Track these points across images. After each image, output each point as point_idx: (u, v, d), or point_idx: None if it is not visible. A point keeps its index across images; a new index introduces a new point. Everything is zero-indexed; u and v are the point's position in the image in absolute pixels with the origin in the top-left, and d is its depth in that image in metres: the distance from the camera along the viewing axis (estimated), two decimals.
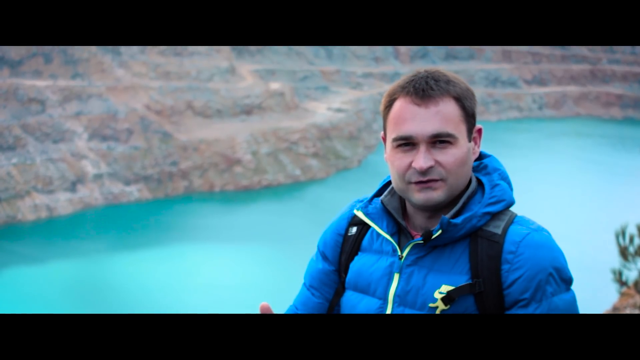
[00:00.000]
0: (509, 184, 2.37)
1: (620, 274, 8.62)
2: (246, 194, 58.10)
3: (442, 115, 2.26)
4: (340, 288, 2.51)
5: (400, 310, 2.31)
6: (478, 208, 2.28)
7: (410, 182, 2.28)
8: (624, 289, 8.91)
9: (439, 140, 2.26)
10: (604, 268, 12.22)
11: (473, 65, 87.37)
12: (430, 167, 2.25)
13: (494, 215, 2.29)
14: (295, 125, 63.95)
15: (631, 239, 8.51)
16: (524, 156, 67.26)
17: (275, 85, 67.19)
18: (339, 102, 71.18)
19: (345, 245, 2.51)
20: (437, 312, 2.25)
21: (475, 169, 2.40)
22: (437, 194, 2.28)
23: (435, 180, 2.26)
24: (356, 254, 2.48)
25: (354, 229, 2.50)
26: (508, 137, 74.33)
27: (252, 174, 59.96)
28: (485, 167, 2.39)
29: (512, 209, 2.38)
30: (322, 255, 2.56)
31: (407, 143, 2.28)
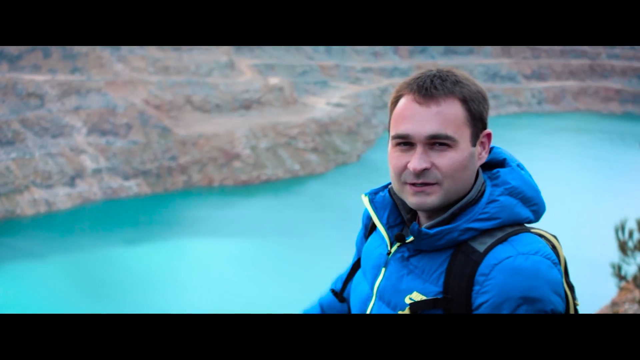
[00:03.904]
0: (526, 199, 2.24)
1: (620, 268, 8.63)
2: (245, 189, 58.11)
3: (443, 116, 2.17)
4: (356, 264, 2.53)
5: (379, 305, 2.29)
6: (462, 222, 2.18)
7: (405, 183, 2.22)
8: (623, 284, 8.92)
9: (438, 142, 2.18)
10: (603, 263, 12.24)
11: (472, 60, 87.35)
12: (425, 170, 2.18)
13: (485, 231, 2.18)
14: (294, 120, 63.94)
15: (630, 234, 8.51)
16: (523, 152, 67.24)
17: (274, 80, 67.16)
18: (338, 97, 71.16)
19: (371, 223, 2.51)
20: None
21: (490, 177, 2.29)
22: (431, 199, 2.20)
23: (431, 184, 2.19)
24: (370, 233, 2.49)
25: None
26: (507, 132, 74.33)
27: (251, 168, 59.97)
28: (497, 177, 2.27)
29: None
30: (363, 224, 2.57)
31: (405, 142, 2.21)
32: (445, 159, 2.18)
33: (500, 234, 2.16)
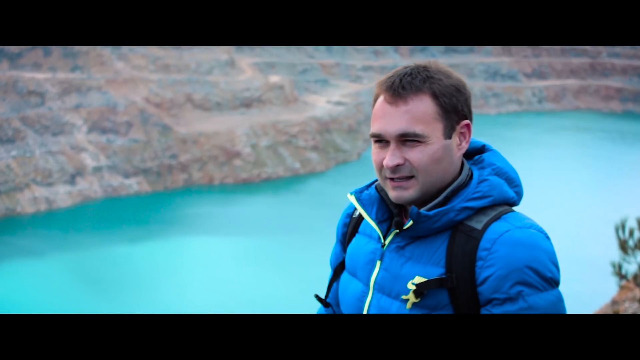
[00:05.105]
0: (510, 179, 2.34)
1: (620, 267, 8.64)
2: (245, 187, 58.11)
3: (411, 114, 2.26)
4: (339, 267, 2.57)
5: (378, 297, 2.34)
6: (457, 202, 2.27)
7: (386, 178, 2.32)
8: (624, 282, 8.93)
9: (408, 139, 2.27)
10: (604, 261, 12.24)
11: (473, 59, 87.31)
12: (399, 165, 2.27)
13: (479, 210, 2.27)
14: (294, 119, 63.91)
15: (631, 233, 8.52)
16: (524, 150, 67.25)
17: (274, 79, 67.13)
18: (339, 96, 71.14)
19: (350, 227, 2.57)
20: (409, 305, 2.25)
21: (474, 163, 2.39)
22: (408, 193, 2.29)
23: (407, 178, 2.28)
24: (354, 235, 2.54)
25: (357, 212, 2.56)
26: (507, 131, 74.32)
27: (251, 167, 59.95)
28: (482, 161, 2.37)
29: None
30: (338, 237, 2.63)
31: (380, 140, 2.31)
32: (416, 153, 2.27)
33: (493, 213, 2.26)
